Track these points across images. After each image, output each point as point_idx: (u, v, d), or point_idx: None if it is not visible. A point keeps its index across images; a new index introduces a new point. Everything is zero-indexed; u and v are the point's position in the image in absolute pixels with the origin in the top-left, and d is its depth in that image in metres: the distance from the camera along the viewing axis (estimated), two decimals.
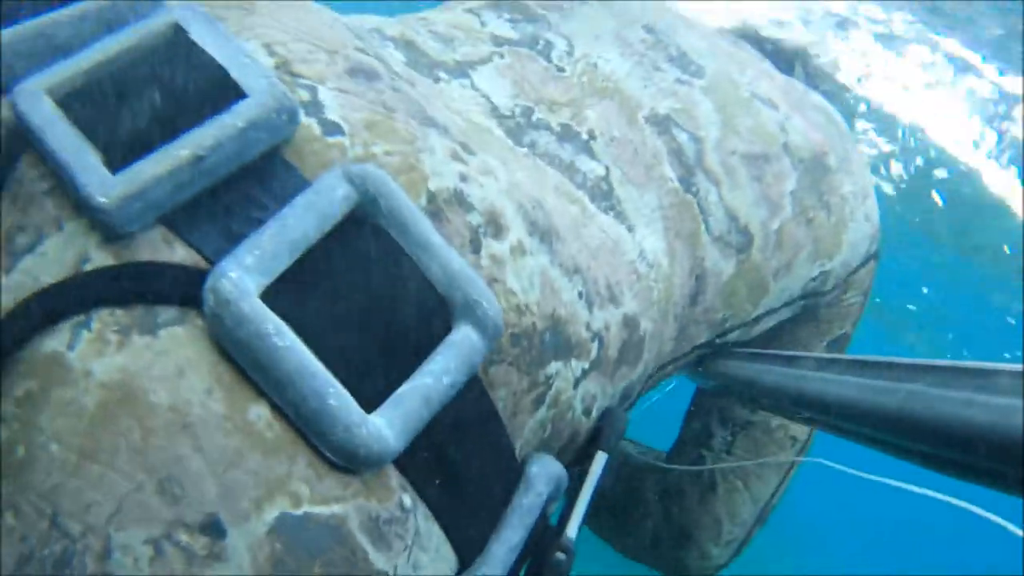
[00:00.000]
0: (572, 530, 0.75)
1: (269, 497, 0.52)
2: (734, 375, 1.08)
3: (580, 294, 0.77)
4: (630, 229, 0.92)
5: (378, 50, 0.81)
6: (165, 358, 0.53)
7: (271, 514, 0.52)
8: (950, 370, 0.59)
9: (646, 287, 0.90)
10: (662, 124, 1.04)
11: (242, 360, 0.54)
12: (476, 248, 0.68)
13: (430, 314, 0.61)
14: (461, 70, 0.95)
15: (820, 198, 1.13)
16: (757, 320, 1.14)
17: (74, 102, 0.58)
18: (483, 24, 1.05)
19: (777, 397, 0.92)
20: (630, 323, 0.84)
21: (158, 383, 0.52)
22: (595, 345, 0.78)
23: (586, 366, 0.77)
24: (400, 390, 0.57)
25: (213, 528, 0.51)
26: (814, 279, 1.16)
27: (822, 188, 1.13)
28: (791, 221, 1.09)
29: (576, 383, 0.76)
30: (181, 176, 0.56)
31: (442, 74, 0.92)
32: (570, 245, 0.78)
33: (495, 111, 0.91)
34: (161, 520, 0.50)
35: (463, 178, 0.71)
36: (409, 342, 0.60)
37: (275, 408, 0.54)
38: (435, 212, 0.67)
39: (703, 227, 1.01)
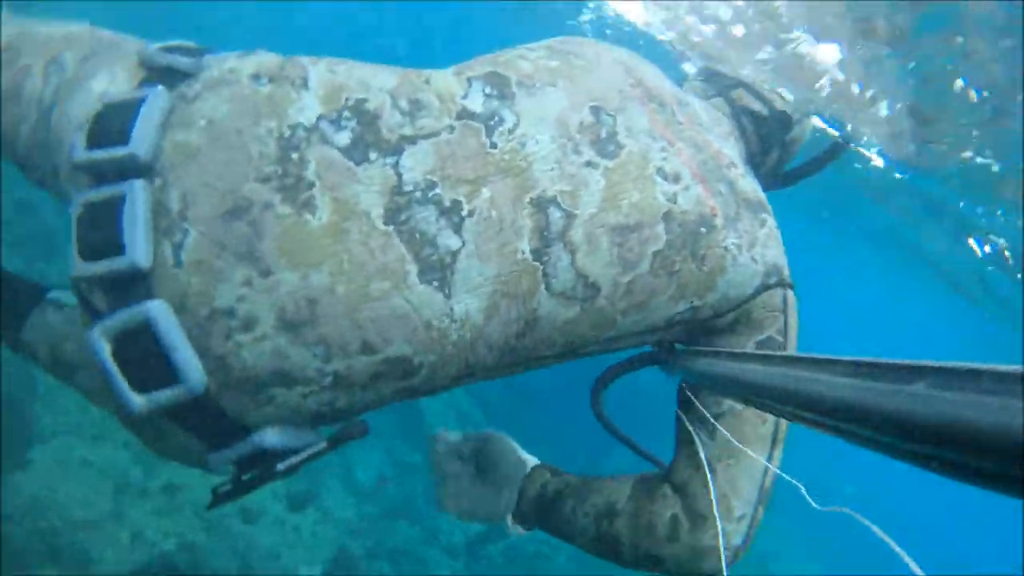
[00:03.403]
0: (280, 465, 1.27)
1: None
2: (724, 374, 1.10)
3: (316, 355, 1.17)
4: (447, 296, 1.21)
5: (296, 160, 1.21)
6: None
7: None
8: (950, 371, 0.57)
9: (439, 335, 1.22)
10: (542, 205, 1.27)
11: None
12: (228, 338, 1.15)
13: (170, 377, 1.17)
14: (398, 147, 1.26)
15: (693, 252, 1.34)
16: (613, 339, 1.38)
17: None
18: (464, 96, 1.34)
19: (775, 398, 0.89)
20: (393, 361, 1.21)
21: None
22: (329, 379, 1.20)
23: (313, 389, 1.20)
24: None
25: None
26: (681, 312, 1.37)
27: (699, 244, 1.34)
28: (647, 274, 1.31)
29: (304, 397, 1.21)
30: None
31: (373, 155, 1.24)
32: (326, 326, 1.17)
33: (396, 189, 1.22)
34: None
35: (240, 299, 1.15)
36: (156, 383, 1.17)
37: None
38: (210, 317, 1.15)
39: (542, 287, 1.27)
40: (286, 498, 6.44)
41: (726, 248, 1.36)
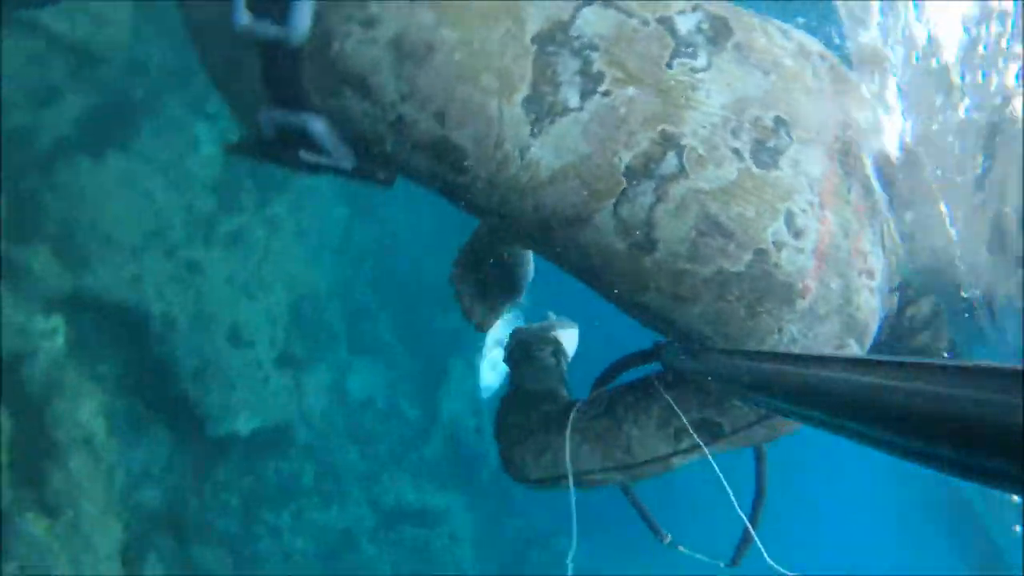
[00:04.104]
0: None
1: None
2: (728, 372, 1.13)
3: (399, 89, 1.25)
4: (533, 135, 1.23)
5: None
6: None
7: None
8: (951, 369, 0.57)
9: (502, 160, 1.24)
10: (668, 142, 1.21)
11: None
12: (346, 21, 1.25)
13: None
14: None
15: (751, 304, 1.22)
16: (633, 304, 1.31)
17: None
18: (679, 12, 1.30)
19: (777, 395, 0.90)
20: (451, 146, 1.26)
21: None
22: (394, 116, 1.27)
23: (377, 115, 1.28)
24: None
25: None
26: (707, 339, 1.28)
27: (764, 303, 1.22)
28: (704, 281, 1.22)
29: (365, 116, 1.30)
30: None
31: None
32: (425, 75, 1.23)
33: (560, 25, 1.24)
34: None
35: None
36: None
37: None
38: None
39: (613, 201, 1.22)
40: (281, 350, 6.50)
41: (780, 330, 1.24)
